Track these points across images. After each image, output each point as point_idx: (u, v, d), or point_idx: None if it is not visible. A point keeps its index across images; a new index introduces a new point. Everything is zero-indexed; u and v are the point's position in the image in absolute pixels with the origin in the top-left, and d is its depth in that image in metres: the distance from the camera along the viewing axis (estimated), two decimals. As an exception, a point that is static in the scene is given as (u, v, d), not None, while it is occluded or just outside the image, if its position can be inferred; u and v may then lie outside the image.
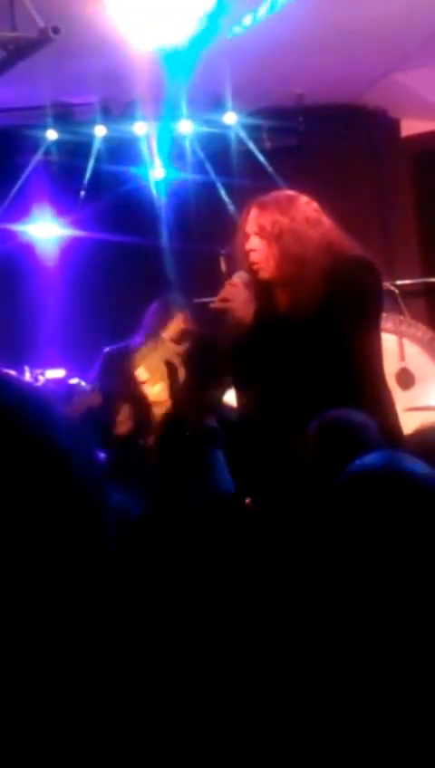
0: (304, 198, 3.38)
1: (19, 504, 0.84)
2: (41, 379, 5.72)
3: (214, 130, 6.35)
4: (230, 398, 3.54)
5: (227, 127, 6.33)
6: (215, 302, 3.40)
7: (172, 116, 6.19)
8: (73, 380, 5.75)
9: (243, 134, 6.33)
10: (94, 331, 6.05)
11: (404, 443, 2.96)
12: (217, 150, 6.40)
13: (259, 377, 3.30)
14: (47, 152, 6.36)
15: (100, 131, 6.30)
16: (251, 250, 3.32)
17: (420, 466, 1.92)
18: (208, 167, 6.36)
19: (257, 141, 6.35)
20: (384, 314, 4.21)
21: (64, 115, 6.24)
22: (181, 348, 3.54)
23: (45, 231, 6.46)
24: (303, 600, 1.63)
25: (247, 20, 4.87)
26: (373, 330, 3.34)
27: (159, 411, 3.48)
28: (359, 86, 6.34)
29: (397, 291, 6.08)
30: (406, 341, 6.11)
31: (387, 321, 5.66)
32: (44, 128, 6.24)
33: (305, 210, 3.34)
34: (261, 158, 6.27)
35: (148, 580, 1.49)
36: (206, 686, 1.32)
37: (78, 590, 0.86)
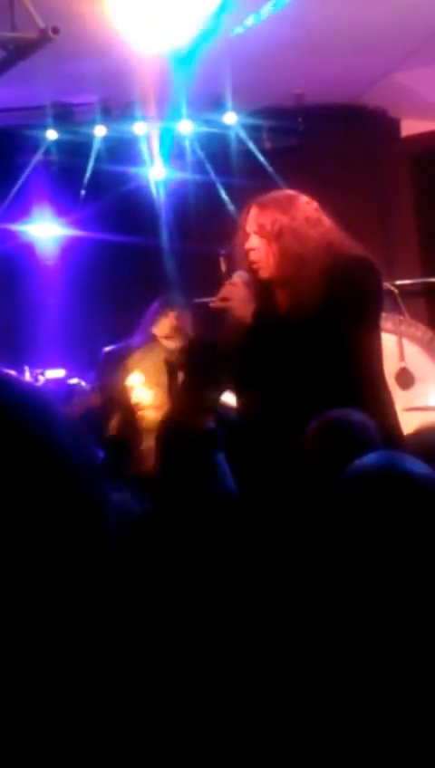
0: (304, 198, 3.38)
1: (19, 504, 0.84)
2: (41, 379, 5.73)
3: (214, 130, 6.35)
4: (230, 397, 3.54)
5: (227, 127, 6.33)
6: (215, 302, 3.41)
7: (175, 116, 6.19)
8: (73, 380, 5.76)
9: (243, 134, 6.33)
10: (94, 330, 6.06)
11: (404, 443, 2.96)
12: (216, 150, 6.40)
13: (259, 377, 3.30)
14: (47, 152, 6.36)
15: (100, 131, 6.30)
16: (251, 249, 3.33)
17: (419, 466, 1.92)
18: (208, 167, 6.37)
19: (257, 141, 6.35)
20: (384, 314, 4.22)
21: (64, 115, 6.24)
22: (174, 346, 3.53)
23: (45, 231, 6.47)
24: (303, 600, 1.63)
25: (250, 20, 4.87)
26: (373, 330, 3.35)
27: (153, 415, 3.48)
28: (359, 86, 6.34)
29: (396, 291, 6.08)
30: (406, 341, 6.11)
31: (387, 321, 5.66)
32: (44, 128, 6.24)
33: (305, 210, 3.34)
34: (261, 158, 6.27)
35: (148, 580, 1.49)
36: (206, 685, 1.32)
37: (78, 590, 0.86)
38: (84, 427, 3.25)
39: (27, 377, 5.59)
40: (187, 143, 6.38)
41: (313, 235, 3.29)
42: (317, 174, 5.71)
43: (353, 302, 3.20)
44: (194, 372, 3.33)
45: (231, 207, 5.87)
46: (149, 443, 3.44)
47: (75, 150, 6.36)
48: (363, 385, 3.20)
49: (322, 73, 5.88)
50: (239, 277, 3.38)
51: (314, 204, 3.38)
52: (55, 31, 3.91)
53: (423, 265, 6.64)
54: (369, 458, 1.99)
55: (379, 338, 3.40)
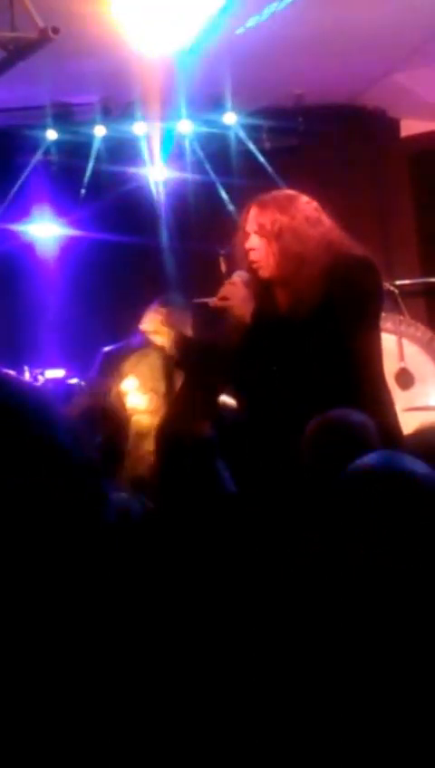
0: (304, 198, 3.39)
1: (19, 504, 0.84)
2: (40, 379, 5.72)
3: (214, 130, 6.35)
4: (230, 397, 3.54)
5: (227, 127, 6.33)
6: (214, 301, 3.41)
7: (175, 116, 6.19)
8: (73, 380, 5.75)
9: (243, 134, 6.33)
10: (94, 331, 6.05)
11: (404, 443, 2.96)
12: (216, 150, 6.40)
13: (259, 376, 3.30)
14: (47, 152, 6.36)
15: (100, 131, 6.30)
16: (251, 249, 3.33)
17: (419, 466, 1.92)
18: (208, 167, 6.36)
19: (257, 141, 6.35)
20: (384, 314, 4.21)
21: (64, 115, 6.24)
22: (160, 342, 3.52)
23: (45, 231, 6.46)
24: (303, 600, 1.63)
25: (251, 21, 4.87)
26: (373, 329, 3.35)
27: (148, 420, 3.47)
28: (358, 86, 6.34)
29: (396, 291, 6.08)
30: (405, 341, 6.11)
31: (386, 321, 5.66)
32: (44, 128, 6.23)
33: (305, 209, 3.34)
34: (261, 158, 6.27)
35: (149, 580, 1.49)
36: (206, 684, 1.32)
37: (78, 589, 0.86)
38: (84, 427, 3.25)
39: (27, 377, 5.59)
40: (186, 143, 6.38)
41: (313, 234, 3.30)
42: (317, 174, 5.71)
43: (353, 302, 3.21)
44: (193, 375, 3.34)
45: (231, 207, 5.87)
46: (145, 447, 3.44)
47: (75, 150, 6.36)
48: (363, 385, 3.20)
49: (322, 73, 5.87)
50: (239, 277, 3.38)
51: (314, 203, 3.38)
52: (55, 31, 3.91)
53: (423, 265, 6.63)
54: (369, 458, 1.99)
55: (379, 338, 3.40)
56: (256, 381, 3.32)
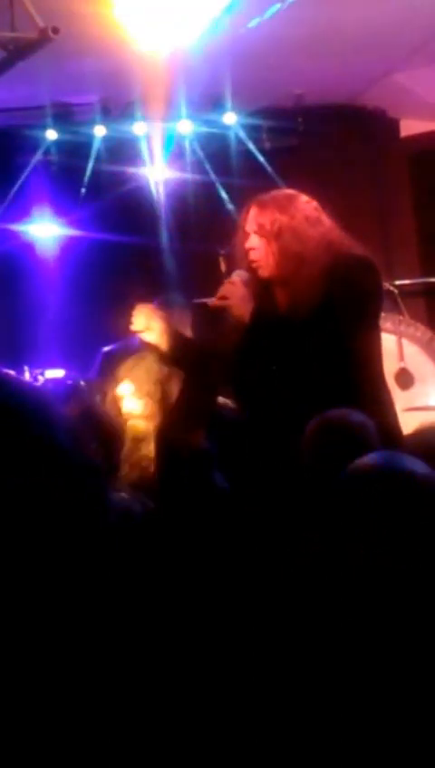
0: (303, 197, 3.39)
1: (19, 504, 0.84)
2: (40, 379, 5.72)
3: (213, 130, 6.35)
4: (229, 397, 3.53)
5: (227, 127, 6.32)
6: (213, 301, 3.41)
7: (175, 116, 6.19)
8: (73, 380, 5.75)
9: (242, 134, 6.32)
10: (94, 331, 6.04)
11: (403, 443, 2.96)
12: (216, 150, 6.40)
13: (259, 376, 3.30)
14: (47, 152, 6.36)
15: (99, 131, 6.30)
16: (251, 248, 3.33)
17: (419, 466, 1.92)
18: (208, 167, 6.36)
19: (257, 141, 6.34)
20: (383, 314, 4.21)
21: (64, 115, 6.24)
22: (150, 339, 3.51)
23: (45, 231, 6.46)
24: (303, 600, 1.63)
25: (253, 22, 4.87)
26: (373, 329, 3.35)
27: (144, 425, 3.46)
28: (358, 86, 6.33)
29: (396, 291, 6.08)
30: (405, 341, 6.11)
31: (386, 321, 5.65)
32: (44, 128, 6.23)
33: (305, 209, 3.34)
34: (260, 158, 6.27)
35: (149, 580, 1.49)
36: (206, 684, 1.32)
37: (79, 588, 0.87)
38: (83, 427, 3.25)
39: (27, 377, 5.59)
40: (186, 143, 6.38)
41: (312, 234, 3.30)
42: (317, 174, 5.71)
43: (353, 302, 3.21)
44: (192, 375, 3.33)
45: (231, 207, 5.87)
46: (141, 453, 3.43)
47: (75, 150, 6.36)
48: (363, 385, 3.20)
49: (321, 73, 5.87)
50: (238, 276, 3.38)
51: (314, 203, 3.38)
52: (55, 31, 3.91)
53: (423, 265, 6.63)
54: (369, 458, 1.99)
55: (379, 338, 3.40)
56: (256, 381, 3.32)
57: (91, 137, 6.31)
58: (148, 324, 3.52)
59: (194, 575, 1.68)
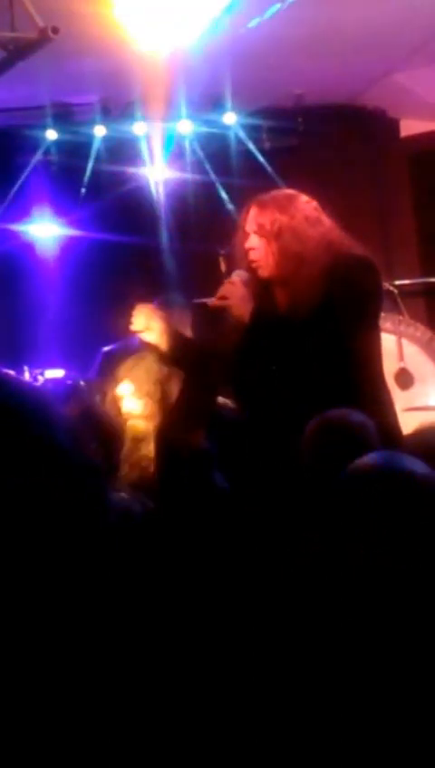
0: (303, 197, 3.39)
1: (19, 504, 0.84)
2: (40, 379, 5.72)
3: (213, 130, 6.35)
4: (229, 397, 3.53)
5: (227, 127, 6.32)
6: (213, 301, 3.42)
7: (175, 116, 6.19)
8: (73, 380, 5.75)
9: (242, 134, 6.33)
10: (94, 331, 6.04)
11: (403, 443, 2.96)
12: (216, 150, 6.40)
13: (258, 376, 3.30)
14: (47, 152, 6.36)
15: (99, 131, 6.30)
16: (251, 248, 3.33)
17: (419, 466, 1.92)
18: (208, 167, 6.36)
19: (257, 141, 6.34)
20: (383, 314, 4.21)
21: (64, 115, 6.24)
22: (150, 339, 3.52)
23: (45, 231, 6.46)
24: (303, 600, 1.63)
25: (253, 22, 4.87)
26: (373, 329, 3.34)
27: (143, 425, 3.46)
28: (358, 86, 6.33)
29: (396, 291, 6.08)
30: (405, 341, 6.11)
31: (386, 321, 5.65)
32: (44, 128, 6.23)
33: (305, 209, 3.34)
34: (260, 158, 6.27)
35: (149, 580, 1.49)
36: (206, 683, 1.32)
37: (78, 589, 0.87)
38: (82, 427, 3.24)
39: (27, 377, 5.59)
40: (186, 143, 6.38)
41: (312, 234, 3.29)
42: (317, 174, 5.71)
43: (353, 302, 3.21)
44: (191, 375, 3.33)
45: (231, 207, 5.87)
46: (140, 453, 3.43)
47: (75, 150, 6.36)
48: (363, 385, 3.20)
49: (321, 73, 5.87)
50: (238, 276, 3.38)
51: (314, 203, 3.38)
52: (55, 31, 3.91)
53: (422, 265, 6.63)
54: (369, 458, 1.99)
55: (378, 338, 3.40)
56: (256, 381, 3.32)
57: (91, 137, 6.31)
58: (148, 324, 3.52)
59: (194, 575, 1.68)
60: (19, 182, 6.32)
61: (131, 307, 3.60)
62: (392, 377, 5.67)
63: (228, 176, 6.28)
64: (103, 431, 3.25)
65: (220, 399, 3.44)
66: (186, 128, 6.31)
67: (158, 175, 6.43)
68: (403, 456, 2.01)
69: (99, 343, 5.50)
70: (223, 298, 3.37)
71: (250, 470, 3.22)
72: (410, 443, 2.84)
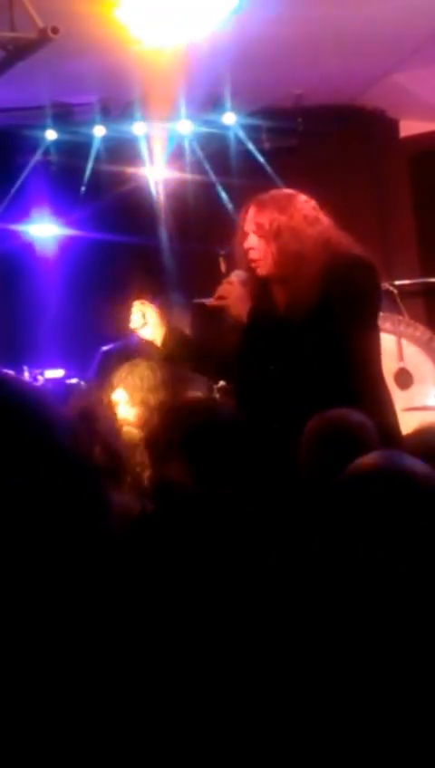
0: (302, 197, 3.38)
1: (19, 504, 0.84)
2: (40, 379, 5.72)
3: (213, 131, 6.35)
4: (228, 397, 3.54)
5: (227, 127, 6.33)
6: (211, 301, 3.42)
7: (176, 116, 6.20)
8: (72, 380, 5.75)
9: (242, 134, 6.33)
10: (93, 331, 6.05)
11: (403, 443, 2.96)
12: (216, 150, 6.40)
13: (258, 376, 3.30)
14: (46, 152, 6.36)
15: (99, 131, 6.30)
16: (250, 248, 3.33)
17: (419, 466, 1.92)
18: (208, 167, 6.36)
19: (256, 141, 6.35)
20: (383, 314, 4.21)
21: (64, 115, 6.24)
22: (148, 336, 3.52)
23: (45, 231, 6.46)
24: (302, 600, 1.63)
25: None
26: (371, 329, 3.34)
27: (137, 434, 3.47)
28: (358, 87, 6.34)
29: (396, 291, 6.08)
30: (404, 341, 6.11)
31: (386, 322, 5.66)
32: (44, 128, 6.23)
33: (304, 208, 3.34)
34: (260, 158, 6.27)
35: (148, 580, 1.49)
36: (206, 684, 1.32)
37: (78, 589, 0.87)
38: (82, 427, 3.24)
39: (27, 377, 5.59)
40: (186, 143, 6.38)
41: (311, 233, 3.29)
42: (316, 174, 5.71)
43: (351, 302, 3.20)
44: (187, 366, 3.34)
45: (230, 207, 5.87)
46: (137, 459, 3.45)
47: (75, 150, 6.36)
48: (362, 385, 3.20)
49: (321, 74, 5.88)
50: (237, 276, 3.39)
51: (313, 202, 3.38)
52: (55, 31, 3.91)
53: (422, 265, 6.64)
54: (368, 458, 1.99)
55: (378, 337, 3.40)
56: (255, 381, 3.32)
57: (90, 137, 6.31)
58: (146, 321, 3.52)
59: (193, 576, 1.67)
60: (19, 182, 6.32)
61: (131, 307, 3.60)
62: (392, 377, 5.67)
63: (228, 176, 6.29)
64: (106, 432, 3.26)
65: (220, 399, 3.45)
66: (185, 128, 6.32)
67: (157, 175, 6.43)
68: (403, 455, 2.00)
69: (98, 343, 5.51)
70: (221, 298, 3.37)
71: (250, 470, 3.22)
72: (409, 443, 2.83)
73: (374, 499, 1.81)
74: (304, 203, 3.36)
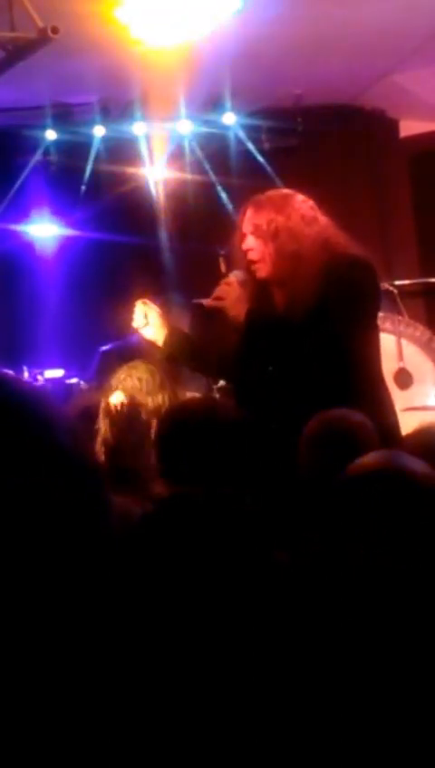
0: (299, 197, 3.38)
1: (19, 504, 0.84)
2: (39, 379, 5.72)
3: (213, 131, 6.35)
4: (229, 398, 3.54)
5: (227, 127, 6.33)
6: (208, 301, 3.42)
7: (176, 116, 6.20)
8: (72, 380, 5.76)
9: (242, 134, 6.33)
10: (93, 331, 6.06)
11: (403, 443, 2.96)
12: (216, 151, 6.40)
13: (257, 377, 3.30)
14: (46, 152, 6.36)
15: (99, 131, 6.30)
16: (248, 249, 3.33)
17: (419, 466, 1.92)
18: (208, 167, 6.36)
19: (256, 142, 6.35)
20: (383, 314, 4.21)
21: (63, 115, 6.24)
22: (149, 336, 3.53)
23: (44, 231, 6.46)
24: (303, 600, 1.63)
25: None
26: (370, 329, 3.34)
27: (138, 435, 3.47)
28: (358, 87, 6.34)
29: (395, 291, 6.08)
30: (404, 341, 6.11)
31: (385, 322, 5.66)
32: (43, 128, 6.23)
33: (301, 208, 3.34)
34: (260, 158, 6.27)
35: (148, 580, 1.49)
36: (206, 683, 1.32)
37: (78, 589, 0.86)
38: (84, 427, 3.24)
39: (26, 377, 5.59)
40: (186, 143, 6.38)
41: (308, 233, 3.29)
42: (316, 174, 5.72)
43: (348, 302, 3.20)
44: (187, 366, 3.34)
45: (230, 207, 5.87)
46: (136, 459, 3.44)
47: (74, 150, 6.36)
48: (362, 384, 3.20)
49: (321, 74, 5.88)
50: (235, 277, 3.39)
51: (310, 202, 3.37)
52: (55, 30, 3.91)
53: (422, 265, 6.64)
54: (369, 458, 1.99)
55: (377, 337, 3.40)
56: (255, 382, 3.32)
57: (90, 137, 6.31)
58: (147, 321, 3.53)
59: (193, 576, 1.68)
60: (18, 182, 6.32)
61: (131, 306, 3.60)
62: (392, 377, 5.67)
63: (228, 176, 6.29)
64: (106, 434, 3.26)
65: (220, 399, 3.45)
66: (185, 128, 6.32)
67: (157, 175, 6.43)
68: (403, 455, 2.00)
69: (98, 343, 5.51)
70: (218, 299, 3.37)
71: (250, 470, 3.22)
72: (409, 443, 2.83)
73: (374, 499, 1.81)
74: (302, 203, 3.35)
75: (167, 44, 4.54)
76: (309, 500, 2.63)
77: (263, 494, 3.10)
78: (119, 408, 3.42)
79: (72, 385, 5.68)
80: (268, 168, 6.18)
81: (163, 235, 6.44)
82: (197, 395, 4.27)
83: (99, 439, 3.20)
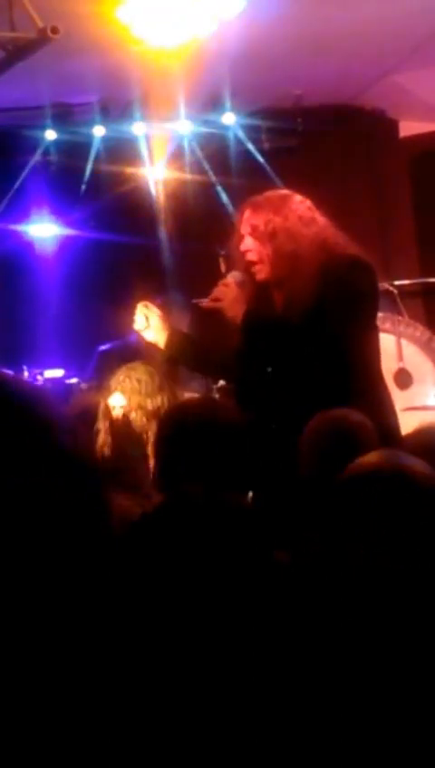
0: (297, 197, 3.38)
1: (19, 504, 0.84)
2: (39, 379, 5.73)
3: (213, 131, 6.35)
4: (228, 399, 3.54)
5: (226, 127, 6.33)
6: (206, 302, 3.42)
7: (176, 116, 6.20)
8: (72, 380, 5.76)
9: (242, 134, 6.33)
10: (93, 331, 6.05)
11: (402, 443, 2.96)
12: (215, 151, 6.40)
13: (256, 378, 3.30)
14: (46, 152, 6.36)
15: (99, 131, 6.30)
16: (246, 251, 3.32)
17: (419, 466, 1.92)
18: (207, 167, 6.36)
19: (256, 142, 6.35)
20: (383, 314, 4.21)
21: (63, 115, 6.24)
22: (151, 338, 3.53)
23: (44, 231, 6.46)
24: (303, 600, 1.63)
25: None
26: (369, 329, 3.33)
27: (138, 436, 3.47)
28: (357, 87, 6.34)
29: (395, 291, 6.08)
30: (404, 341, 6.11)
31: (385, 322, 5.66)
32: (43, 128, 6.23)
33: (299, 209, 3.33)
34: (260, 158, 6.27)
35: (148, 580, 1.49)
36: (205, 683, 1.32)
37: (78, 589, 0.87)
38: (83, 427, 3.24)
39: (26, 377, 5.59)
40: (186, 143, 6.38)
41: (306, 233, 3.29)
42: (316, 174, 5.71)
43: (347, 302, 3.19)
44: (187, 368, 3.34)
45: (230, 207, 5.87)
46: (136, 459, 3.45)
47: (74, 150, 6.36)
48: (361, 385, 3.20)
49: (321, 74, 5.87)
50: (233, 277, 3.38)
51: (308, 202, 3.37)
52: (54, 31, 3.91)
53: (422, 266, 6.64)
54: (369, 458, 1.99)
55: (376, 338, 3.39)
56: (254, 382, 3.32)
57: (90, 137, 6.31)
58: (148, 323, 3.53)
59: (193, 576, 1.67)
60: (18, 182, 6.32)
61: (131, 307, 3.60)
62: (392, 377, 5.67)
63: (228, 176, 6.28)
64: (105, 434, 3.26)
65: (220, 399, 3.45)
66: (185, 128, 6.32)
67: (157, 175, 6.43)
68: (403, 455, 2.01)
69: (98, 343, 5.51)
70: (216, 300, 3.37)
71: (250, 471, 3.22)
72: (409, 443, 2.83)
73: (374, 499, 1.81)
74: (299, 203, 3.35)
75: (168, 44, 4.54)
76: (309, 500, 2.63)
77: (263, 495, 3.10)
78: (118, 417, 3.42)
79: (71, 385, 5.68)
80: (268, 169, 6.18)
81: (163, 235, 6.44)
82: (196, 395, 4.28)
83: (98, 441, 3.20)
